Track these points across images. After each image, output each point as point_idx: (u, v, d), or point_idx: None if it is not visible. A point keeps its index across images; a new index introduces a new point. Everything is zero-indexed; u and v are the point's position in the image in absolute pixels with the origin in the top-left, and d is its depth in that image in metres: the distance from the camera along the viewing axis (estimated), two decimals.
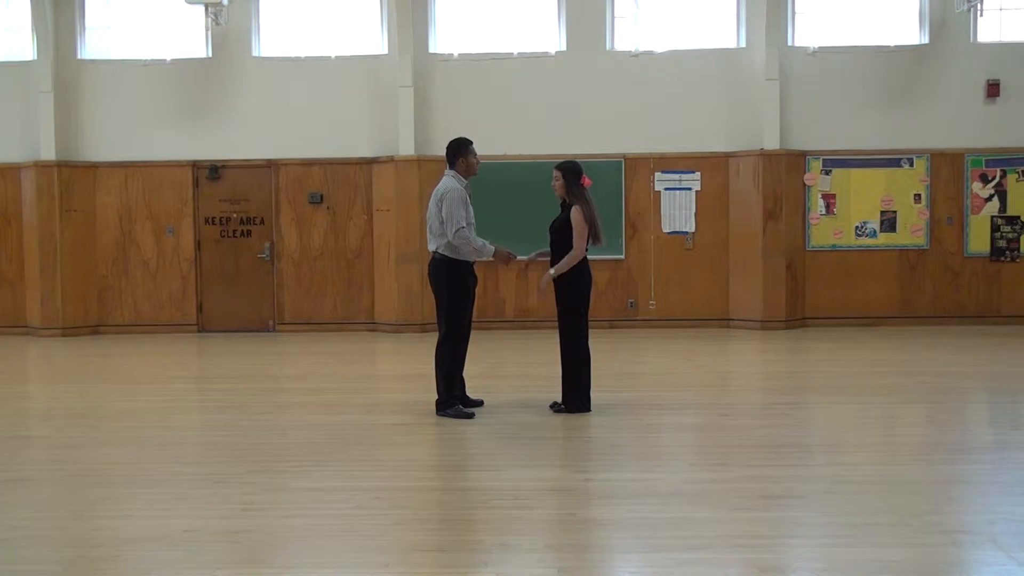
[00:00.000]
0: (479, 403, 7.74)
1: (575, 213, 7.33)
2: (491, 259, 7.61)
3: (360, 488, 5.54)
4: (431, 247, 7.57)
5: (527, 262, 7.85)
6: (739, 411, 7.92)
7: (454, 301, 7.50)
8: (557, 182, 7.48)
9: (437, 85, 13.49)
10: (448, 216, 7.35)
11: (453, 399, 7.52)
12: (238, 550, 4.57)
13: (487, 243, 7.51)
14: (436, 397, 7.60)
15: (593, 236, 7.39)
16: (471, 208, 7.54)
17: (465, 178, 7.56)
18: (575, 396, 7.50)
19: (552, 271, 7.43)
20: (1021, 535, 4.63)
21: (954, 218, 13.38)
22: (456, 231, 7.32)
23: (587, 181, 7.46)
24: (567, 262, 7.36)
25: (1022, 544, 4.52)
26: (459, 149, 7.57)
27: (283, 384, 9.89)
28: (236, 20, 13.50)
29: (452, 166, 7.58)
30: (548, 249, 7.57)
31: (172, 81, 13.64)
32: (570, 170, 7.45)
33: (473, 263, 7.59)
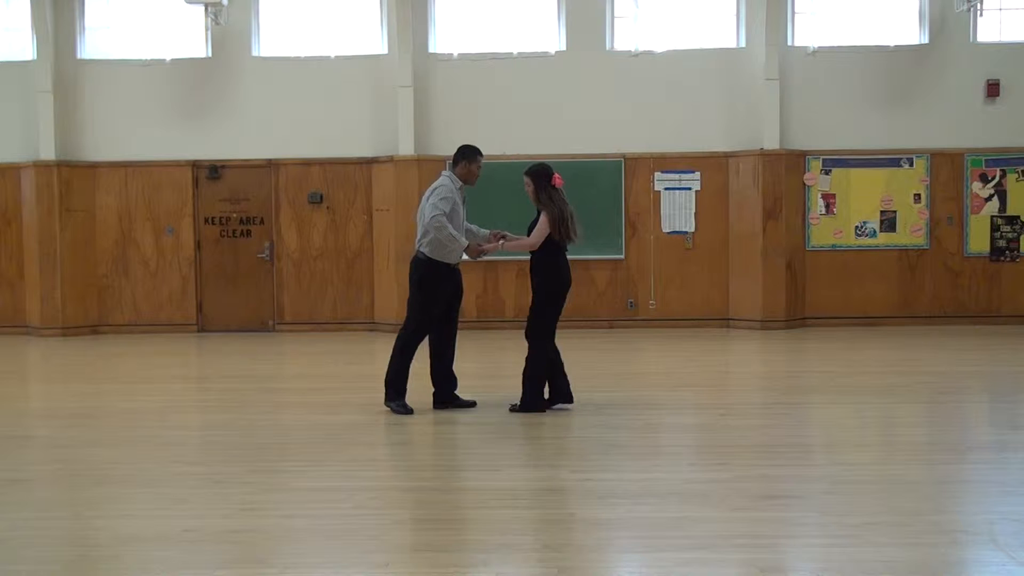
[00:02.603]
0: (471, 404, 7.76)
1: (542, 219, 7.39)
2: (464, 255, 7.64)
3: (360, 488, 5.54)
4: (416, 246, 7.64)
5: (502, 242, 7.73)
6: (739, 411, 7.92)
7: (423, 300, 7.53)
8: (528, 187, 7.52)
9: (437, 85, 13.49)
10: (431, 206, 7.40)
11: (400, 392, 7.57)
12: (238, 550, 4.57)
13: (463, 237, 7.52)
14: (432, 395, 7.75)
15: (564, 235, 7.41)
16: (461, 210, 7.58)
17: (462, 182, 7.60)
18: (530, 395, 7.52)
19: (502, 241, 7.60)
20: (1021, 535, 4.63)
21: (954, 218, 13.38)
22: (433, 216, 7.35)
23: (559, 181, 7.47)
24: (516, 245, 7.58)
25: (1022, 544, 4.52)
26: (466, 154, 7.64)
27: (283, 384, 9.89)
28: (236, 20, 13.50)
29: (454, 167, 7.65)
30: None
31: (172, 81, 13.63)
32: (538, 174, 7.49)
33: (455, 268, 7.62)
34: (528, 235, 7.52)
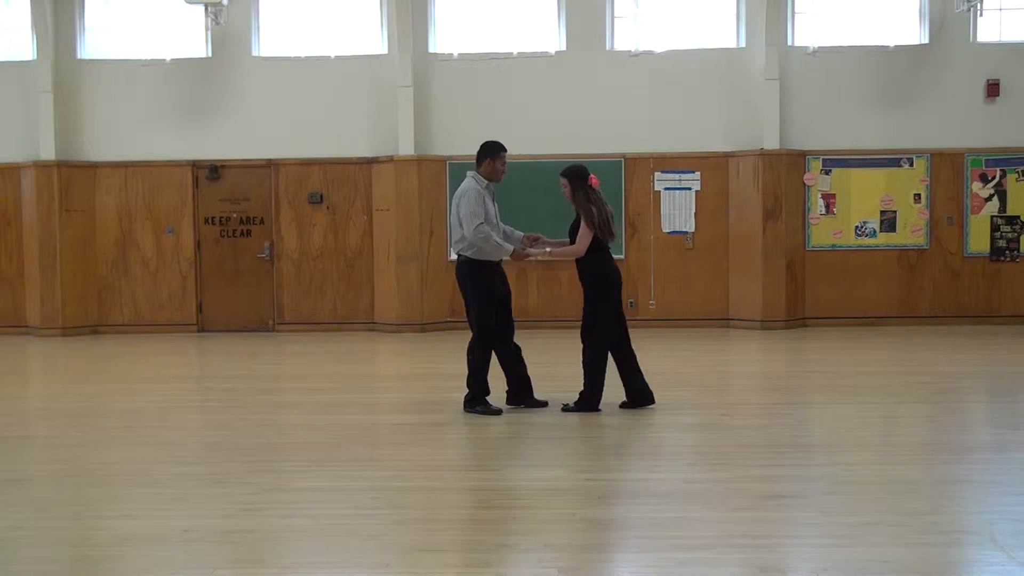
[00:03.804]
0: (543, 403, 7.75)
1: (582, 226, 7.39)
2: (509, 258, 7.65)
3: (360, 488, 5.54)
4: (455, 249, 7.66)
5: (548, 250, 7.79)
6: (739, 411, 7.92)
7: (482, 302, 7.53)
8: (565, 189, 7.52)
9: (437, 85, 13.49)
10: (466, 214, 7.41)
11: (480, 397, 7.56)
12: (238, 550, 4.57)
13: (505, 243, 7.56)
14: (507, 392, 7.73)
15: (603, 234, 7.43)
16: (492, 207, 7.60)
17: (487, 180, 7.61)
18: (584, 397, 7.53)
19: (549, 249, 7.67)
20: (1021, 535, 4.63)
21: (954, 218, 13.38)
22: (475, 227, 7.37)
23: (595, 181, 7.50)
24: (562, 253, 7.66)
25: (1022, 544, 4.52)
26: (489, 151, 7.63)
27: (283, 384, 9.89)
28: (236, 20, 13.49)
29: (478, 166, 7.64)
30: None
31: (172, 81, 13.63)
32: (575, 175, 7.49)
33: (499, 264, 7.64)
34: (569, 236, 7.55)
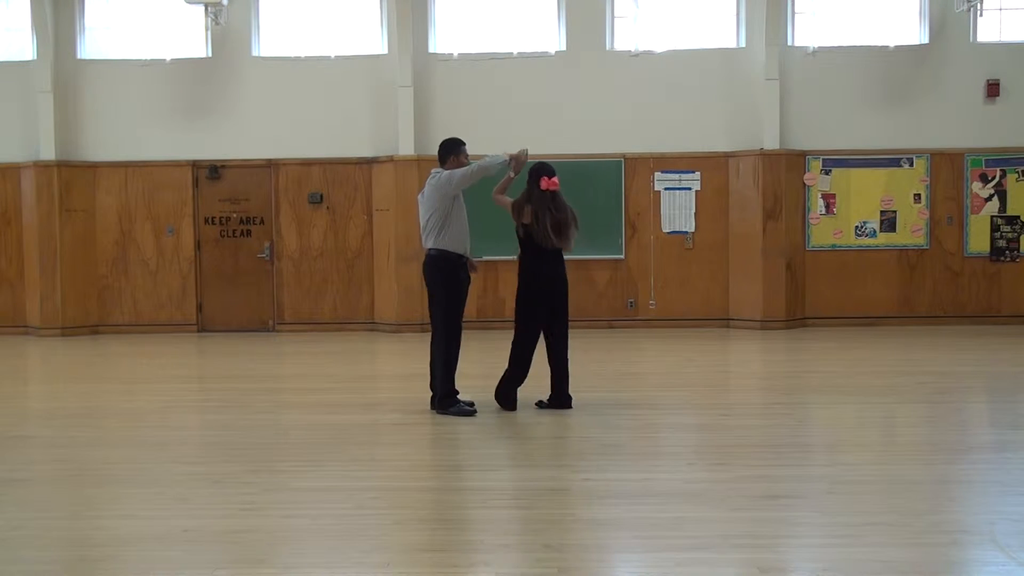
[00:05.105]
0: (470, 404, 7.76)
1: (515, 201, 7.50)
2: (510, 166, 7.52)
3: (360, 488, 5.54)
4: (425, 245, 7.66)
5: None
6: (739, 411, 7.92)
7: (451, 296, 7.55)
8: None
9: (437, 85, 13.49)
10: (461, 179, 7.40)
11: (453, 397, 7.55)
12: (238, 550, 4.57)
13: (495, 158, 7.53)
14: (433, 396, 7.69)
15: (541, 239, 7.39)
16: (463, 203, 7.65)
17: None
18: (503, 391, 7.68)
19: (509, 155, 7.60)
20: (1021, 535, 4.63)
21: (954, 218, 13.38)
22: (473, 169, 7.37)
23: (545, 183, 7.39)
24: (485, 161, 7.51)
25: (1022, 544, 4.52)
26: (452, 148, 7.71)
27: (283, 384, 9.89)
28: (236, 20, 13.50)
29: (443, 164, 7.69)
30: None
31: (172, 81, 13.63)
32: (531, 170, 7.53)
33: (464, 261, 7.66)
34: (520, 235, 7.57)
